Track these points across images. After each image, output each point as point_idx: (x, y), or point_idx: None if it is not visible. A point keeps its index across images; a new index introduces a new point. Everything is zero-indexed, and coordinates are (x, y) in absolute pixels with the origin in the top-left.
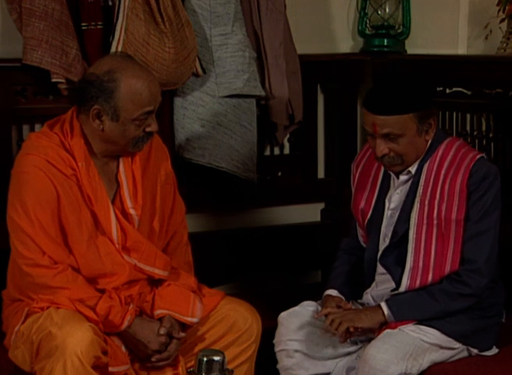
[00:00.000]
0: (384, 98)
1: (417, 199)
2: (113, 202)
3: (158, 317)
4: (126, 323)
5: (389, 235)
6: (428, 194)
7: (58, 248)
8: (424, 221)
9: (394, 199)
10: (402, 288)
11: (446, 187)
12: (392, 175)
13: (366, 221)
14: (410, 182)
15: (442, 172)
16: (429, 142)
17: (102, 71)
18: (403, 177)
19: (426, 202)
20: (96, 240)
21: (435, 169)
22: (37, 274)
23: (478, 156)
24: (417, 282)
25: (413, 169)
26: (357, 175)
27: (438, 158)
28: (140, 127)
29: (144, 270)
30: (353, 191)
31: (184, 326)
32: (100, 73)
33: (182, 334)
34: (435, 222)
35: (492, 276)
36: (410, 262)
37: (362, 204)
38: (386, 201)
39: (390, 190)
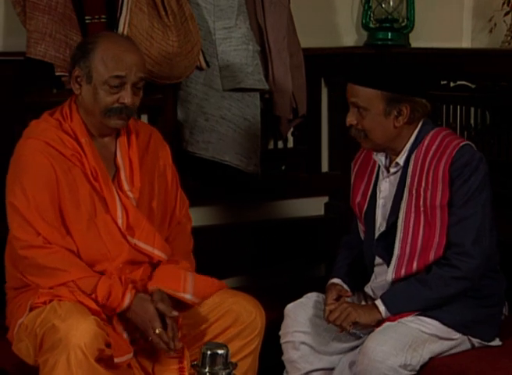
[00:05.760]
0: (361, 69)
1: (406, 189)
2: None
3: (151, 292)
4: (126, 301)
5: (384, 225)
6: (416, 182)
7: (53, 230)
8: (413, 209)
9: (384, 188)
10: (388, 276)
11: (431, 174)
12: (382, 168)
13: (363, 214)
14: (399, 173)
15: (428, 160)
16: (415, 133)
17: (90, 37)
18: (392, 170)
19: (414, 191)
20: (95, 219)
21: (421, 158)
22: (32, 255)
23: (462, 143)
24: (403, 269)
25: (401, 160)
26: (355, 171)
27: (424, 148)
28: (111, 95)
29: (143, 250)
30: (351, 187)
31: (186, 307)
32: (87, 38)
33: (174, 313)
34: (421, 209)
35: (483, 258)
36: (398, 249)
37: (358, 198)
38: (377, 190)
39: (380, 180)
